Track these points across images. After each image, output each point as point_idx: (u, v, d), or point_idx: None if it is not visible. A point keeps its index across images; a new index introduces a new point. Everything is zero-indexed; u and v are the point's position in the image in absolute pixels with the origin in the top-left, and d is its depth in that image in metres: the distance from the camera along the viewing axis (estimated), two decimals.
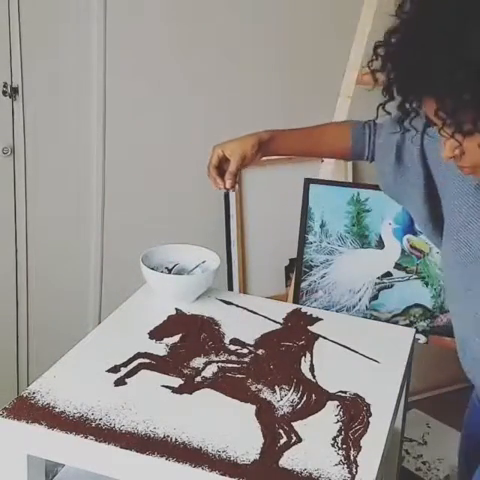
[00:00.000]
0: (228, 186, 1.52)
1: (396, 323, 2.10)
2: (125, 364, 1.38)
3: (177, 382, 1.34)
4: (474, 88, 0.97)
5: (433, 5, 0.99)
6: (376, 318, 2.15)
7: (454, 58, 0.97)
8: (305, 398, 1.32)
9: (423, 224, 1.42)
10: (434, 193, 1.35)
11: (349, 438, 1.23)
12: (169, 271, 1.66)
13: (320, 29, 2.51)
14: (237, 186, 1.55)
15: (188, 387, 1.33)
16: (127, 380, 1.34)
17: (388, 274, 2.19)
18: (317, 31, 2.52)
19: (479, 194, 1.24)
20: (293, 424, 1.25)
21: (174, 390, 1.32)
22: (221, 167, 1.53)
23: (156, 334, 1.49)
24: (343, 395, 1.34)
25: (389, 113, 1.16)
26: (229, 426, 1.23)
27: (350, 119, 1.87)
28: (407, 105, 1.07)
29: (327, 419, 1.27)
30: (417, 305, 2.16)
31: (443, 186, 1.32)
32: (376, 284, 2.18)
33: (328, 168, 2.31)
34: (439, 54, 0.97)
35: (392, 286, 2.18)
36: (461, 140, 1.05)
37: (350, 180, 2.59)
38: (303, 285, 2.22)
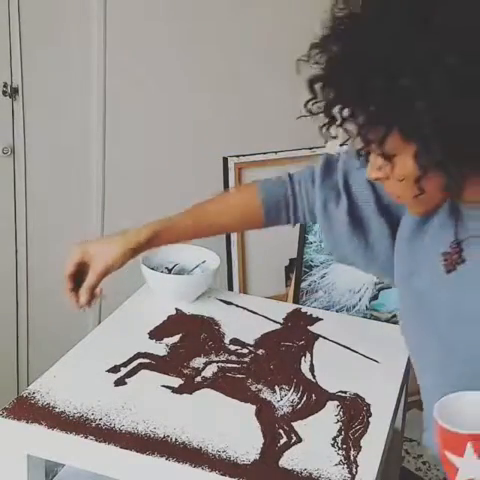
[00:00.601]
0: (82, 302, 1.26)
1: (396, 323, 2.10)
2: (125, 364, 1.38)
3: (177, 382, 1.34)
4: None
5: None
6: (376, 318, 2.15)
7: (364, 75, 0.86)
8: (305, 398, 1.32)
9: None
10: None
11: (349, 438, 1.23)
12: (169, 271, 1.66)
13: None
14: (99, 298, 1.27)
15: (188, 387, 1.33)
16: (127, 380, 1.33)
17: None
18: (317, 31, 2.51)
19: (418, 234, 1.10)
20: (293, 424, 1.25)
21: (174, 390, 1.32)
22: (80, 273, 1.25)
23: (156, 334, 1.49)
24: (343, 395, 1.34)
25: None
26: (229, 426, 1.23)
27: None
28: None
29: (327, 419, 1.27)
30: None
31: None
32: (376, 284, 2.18)
33: None
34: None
35: (392, 286, 2.18)
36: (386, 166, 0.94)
37: None
38: (303, 285, 2.22)
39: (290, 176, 1.28)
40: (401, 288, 1.13)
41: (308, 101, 0.95)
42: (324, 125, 0.95)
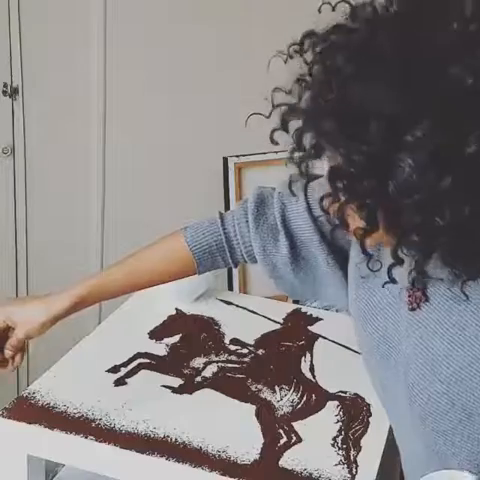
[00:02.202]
0: (8, 354, 1.17)
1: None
2: (125, 364, 1.38)
3: (177, 382, 1.34)
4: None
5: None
6: None
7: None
8: (305, 398, 1.32)
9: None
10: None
11: (349, 438, 1.23)
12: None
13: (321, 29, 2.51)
14: (21, 358, 1.19)
15: (188, 387, 1.33)
16: (127, 380, 1.33)
17: None
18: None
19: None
20: (293, 424, 1.25)
21: (174, 390, 1.32)
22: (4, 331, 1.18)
23: (156, 334, 1.49)
24: (343, 395, 1.34)
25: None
26: (229, 426, 1.23)
27: None
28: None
29: (327, 419, 1.27)
30: None
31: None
32: None
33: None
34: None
35: None
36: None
37: None
38: None
39: (221, 218, 1.17)
40: (363, 332, 1.02)
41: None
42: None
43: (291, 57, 0.88)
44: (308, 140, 0.80)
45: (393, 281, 0.86)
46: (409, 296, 0.92)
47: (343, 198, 0.78)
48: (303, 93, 0.82)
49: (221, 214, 1.18)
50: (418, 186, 0.73)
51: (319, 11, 0.91)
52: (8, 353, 1.17)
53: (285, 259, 1.11)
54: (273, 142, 0.87)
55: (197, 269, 1.18)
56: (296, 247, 1.10)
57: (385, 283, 0.90)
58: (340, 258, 1.08)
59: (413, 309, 0.92)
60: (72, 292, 1.19)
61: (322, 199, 0.81)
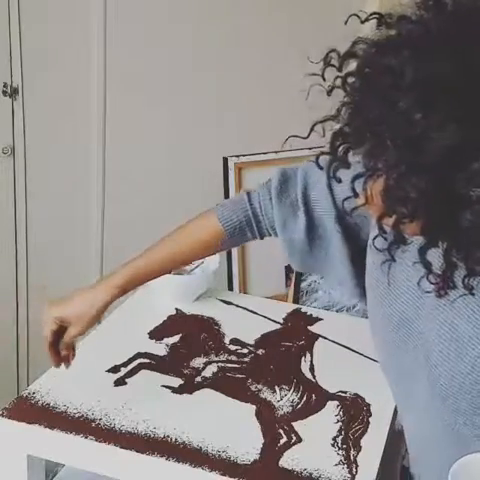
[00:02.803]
0: (63, 355, 1.24)
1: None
2: (125, 364, 1.38)
3: (177, 382, 1.34)
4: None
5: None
6: None
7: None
8: (305, 398, 1.32)
9: (357, 296, 1.21)
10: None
11: (349, 438, 1.23)
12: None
13: (321, 29, 2.51)
14: (72, 358, 1.26)
15: (188, 387, 1.33)
16: (127, 380, 1.34)
17: None
18: (318, 31, 2.52)
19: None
20: (293, 424, 1.25)
21: (174, 390, 1.32)
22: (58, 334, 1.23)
23: (156, 334, 1.49)
24: (343, 395, 1.34)
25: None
26: (229, 426, 1.23)
27: None
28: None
29: (327, 419, 1.27)
30: None
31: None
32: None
33: None
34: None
35: None
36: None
37: None
38: (303, 285, 2.22)
39: (248, 195, 1.26)
40: (380, 316, 1.07)
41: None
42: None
43: (332, 65, 0.91)
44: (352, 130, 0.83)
45: (426, 266, 0.88)
46: (436, 283, 0.94)
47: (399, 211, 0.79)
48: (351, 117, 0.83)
49: (248, 192, 1.27)
50: None
51: (345, 23, 0.94)
52: (64, 353, 1.24)
53: (302, 233, 1.19)
54: (319, 166, 0.91)
55: (228, 243, 1.27)
56: (314, 223, 1.18)
57: (415, 263, 0.92)
58: (353, 239, 1.15)
59: (440, 296, 0.94)
60: (113, 283, 1.24)
61: (354, 180, 0.84)
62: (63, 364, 1.25)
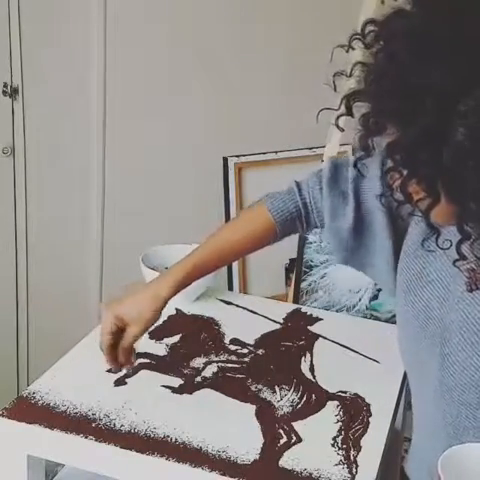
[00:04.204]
0: (121, 361, 1.23)
1: (396, 323, 2.10)
2: None
3: (177, 382, 1.34)
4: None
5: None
6: (376, 318, 2.14)
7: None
8: (305, 398, 1.32)
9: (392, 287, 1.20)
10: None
11: (349, 438, 1.23)
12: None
13: (322, 29, 2.51)
14: (134, 361, 1.26)
15: (188, 387, 1.33)
16: (127, 380, 1.33)
17: None
18: (318, 31, 2.52)
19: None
20: (293, 424, 1.25)
21: (174, 390, 1.32)
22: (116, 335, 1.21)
23: (156, 334, 1.49)
24: (343, 395, 1.34)
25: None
26: (229, 426, 1.23)
27: None
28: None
29: (327, 419, 1.27)
30: None
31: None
32: (376, 284, 2.18)
33: None
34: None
35: None
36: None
37: None
38: (303, 285, 2.22)
39: (298, 186, 1.28)
40: (404, 301, 1.10)
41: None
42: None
43: (353, 48, 0.94)
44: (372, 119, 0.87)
45: (462, 257, 0.91)
46: (470, 277, 0.97)
47: (404, 172, 0.84)
48: (365, 77, 0.89)
49: (297, 183, 1.28)
50: (471, 153, 0.79)
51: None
52: (121, 358, 1.22)
53: (349, 224, 1.20)
54: (339, 128, 0.98)
55: (278, 235, 1.28)
56: (362, 213, 1.19)
57: (455, 261, 0.94)
58: (399, 233, 1.16)
59: (471, 290, 0.97)
60: (172, 279, 1.22)
61: (386, 174, 0.88)
62: (124, 368, 1.24)
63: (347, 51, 0.95)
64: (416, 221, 1.09)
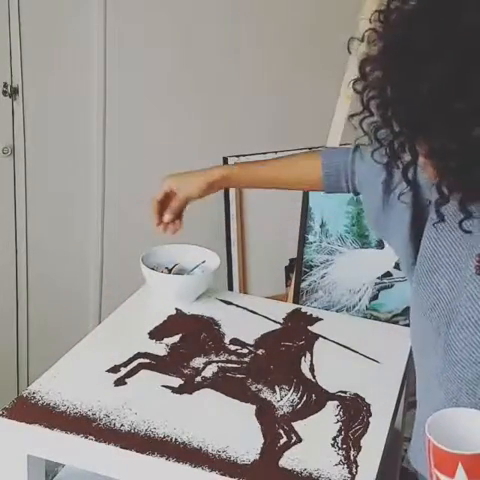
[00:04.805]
0: (165, 220, 1.48)
1: (396, 323, 2.10)
2: (125, 364, 1.38)
3: (177, 382, 1.34)
4: (461, 156, 0.87)
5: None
6: (376, 318, 2.15)
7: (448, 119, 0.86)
8: (305, 398, 1.32)
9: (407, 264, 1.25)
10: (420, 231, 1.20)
11: (349, 438, 1.23)
12: (169, 271, 1.66)
13: (321, 29, 2.51)
14: (179, 224, 1.50)
15: (188, 387, 1.33)
16: (127, 380, 1.33)
17: (388, 274, 2.18)
18: (318, 31, 2.52)
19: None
20: (293, 424, 1.25)
21: (174, 390, 1.32)
22: (167, 201, 1.50)
23: (156, 334, 1.49)
24: (343, 395, 1.34)
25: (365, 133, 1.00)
26: (229, 426, 1.23)
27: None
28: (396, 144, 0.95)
29: (327, 419, 1.27)
30: None
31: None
32: (376, 284, 2.18)
33: None
34: (436, 112, 0.86)
35: (392, 286, 2.18)
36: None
37: None
38: (303, 285, 2.22)
39: (354, 148, 1.34)
40: (416, 283, 1.16)
41: (360, 118, 0.98)
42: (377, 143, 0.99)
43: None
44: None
45: (466, 231, 0.97)
46: (478, 261, 1.03)
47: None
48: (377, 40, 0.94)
49: (356, 145, 1.33)
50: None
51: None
52: (167, 217, 1.47)
53: (379, 193, 1.22)
54: (355, 91, 0.99)
55: (325, 185, 1.39)
56: (391, 183, 1.21)
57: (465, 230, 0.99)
58: (421, 211, 1.18)
59: None
60: (221, 168, 1.51)
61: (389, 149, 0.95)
62: (168, 231, 1.48)
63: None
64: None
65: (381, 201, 1.23)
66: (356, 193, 1.38)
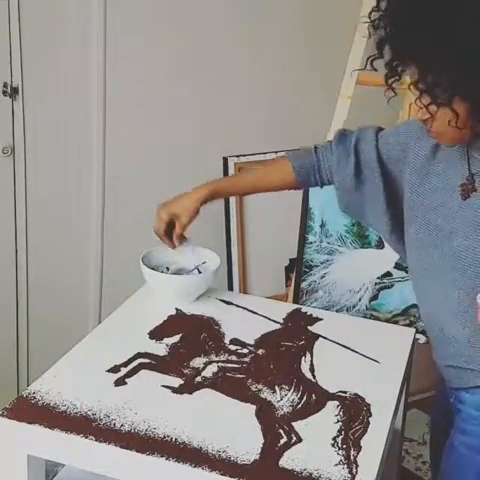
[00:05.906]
0: (177, 244, 1.63)
1: (396, 323, 2.11)
2: (125, 364, 1.38)
3: (177, 382, 1.34)
4: (455, 69, 1.11)
5: None
6: (376, 318, 2.15)
7: (441, 37, 1.09)
8: (305, 398, 1.32)
9: (388, 234, 1.51)
10: (394, 192, 1.47)
11: (349, 438, 1.23)
12: (169, 271, 1.66)
13: (321, 29, 2.52)
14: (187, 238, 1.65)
15: (188, 387, 1.33)
16: (127, 380, 1.34)
17: (388, 274, 2.19)
18: (317, 31, 2.52)
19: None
20: (293, 424, 1.25)
21: (174, 390, 1.32)
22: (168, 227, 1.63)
23: (156, 334, 1.49)
24: (343, 395, 1.34)
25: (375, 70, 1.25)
26: (229, 426, 1.23)
27: (348, 122, 1.91)
28: (394, 65, 1.19)
29: (327, 419, 1.27)
30: (417, 305, 2.16)
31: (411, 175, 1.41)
32: (376, 284, 2.19)
33: None
34: (427, 31, 1.11)
35: (392, 286, 2.19)
36: (434, 111, 1.19)
37: None
38: (303, 285, 2.22)
39: (314, 147, 1.58)
40: (415, 225, 1.38)
41: (373, 58, 1.22)
42: (388, 79, 1.22)
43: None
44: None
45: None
46: (463, 190, 1.29)
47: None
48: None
49: (315, 146, 1.58)
50: None
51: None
52: (178, 243, 1.62)
53: (351, 173, 1.50)
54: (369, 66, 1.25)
55: (297, 182, 1.60)
56: (360, 164, 1.49)
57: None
58: (391, 184, 1.47)
59: (465, 198, 1.29)
60: (209, 185, 1.61)
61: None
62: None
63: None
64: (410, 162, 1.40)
65: (353, 181, 1.49)
66: (320, 185, 1.59)
